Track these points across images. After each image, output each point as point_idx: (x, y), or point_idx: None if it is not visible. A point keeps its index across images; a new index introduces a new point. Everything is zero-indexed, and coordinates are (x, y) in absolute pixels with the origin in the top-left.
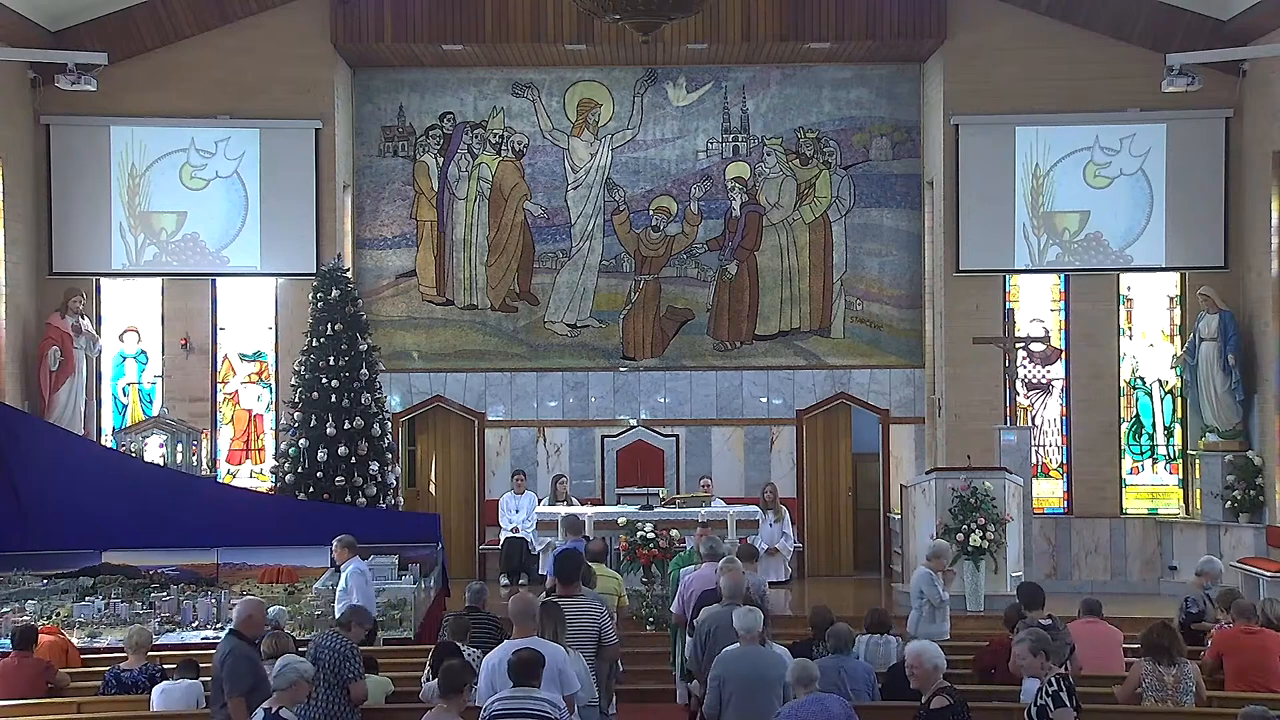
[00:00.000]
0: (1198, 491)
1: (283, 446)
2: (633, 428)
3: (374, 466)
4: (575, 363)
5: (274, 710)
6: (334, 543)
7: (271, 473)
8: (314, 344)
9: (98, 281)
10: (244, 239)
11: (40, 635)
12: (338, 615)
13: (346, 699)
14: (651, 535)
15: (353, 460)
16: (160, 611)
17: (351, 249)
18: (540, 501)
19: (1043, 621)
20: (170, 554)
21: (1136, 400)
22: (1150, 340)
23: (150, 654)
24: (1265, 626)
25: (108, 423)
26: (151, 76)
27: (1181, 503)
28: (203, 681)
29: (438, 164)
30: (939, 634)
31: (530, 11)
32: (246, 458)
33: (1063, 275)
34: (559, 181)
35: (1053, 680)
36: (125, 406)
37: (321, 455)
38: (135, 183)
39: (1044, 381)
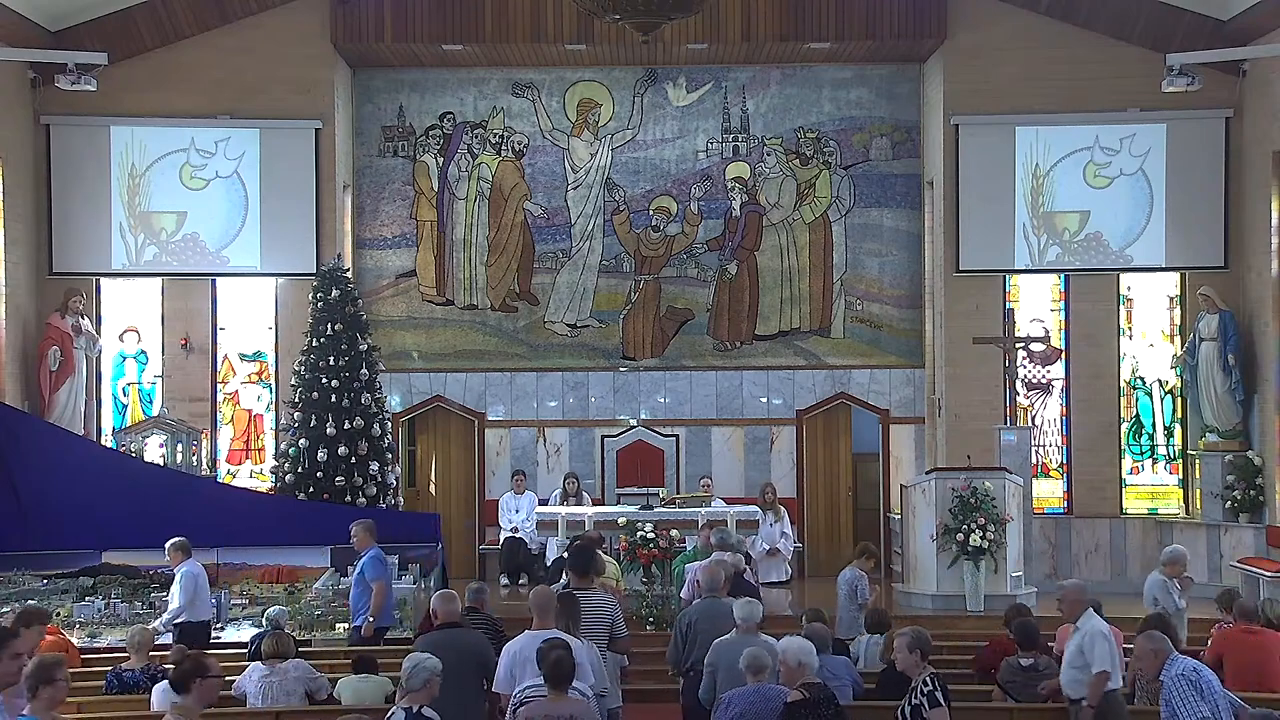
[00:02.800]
0: (1198, 491)
1: (283, 446)
2: (633, 428)
3: (374, 466)
4: (575, 363)
5: (416, 710)
6: (167, 546)
7: (271, 473)
8: (314, 344)
9: (98, 281)
10: (244, 239)
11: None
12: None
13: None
14: (651, 535)
15: (353, 460)
16: (160, 612)
17: (351, 249)
18: (551, 494)
19: (1023, 662)
20: None
21: (1136, 400)
22: (1150, 340)
23: (150, 654)
24: (1266, 626)
25: (108, 423)
26: (151, 76)
27: (1181, 503)
28: None
29: (438, 164)
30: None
31: (530, 11)
32: (246, 458)
33: (1063, 275)
34: (559, 181)
35: (927, 680)
36: (125, 406)
37: (321, 455)
38: (135, 183)
39: (1044, 381)
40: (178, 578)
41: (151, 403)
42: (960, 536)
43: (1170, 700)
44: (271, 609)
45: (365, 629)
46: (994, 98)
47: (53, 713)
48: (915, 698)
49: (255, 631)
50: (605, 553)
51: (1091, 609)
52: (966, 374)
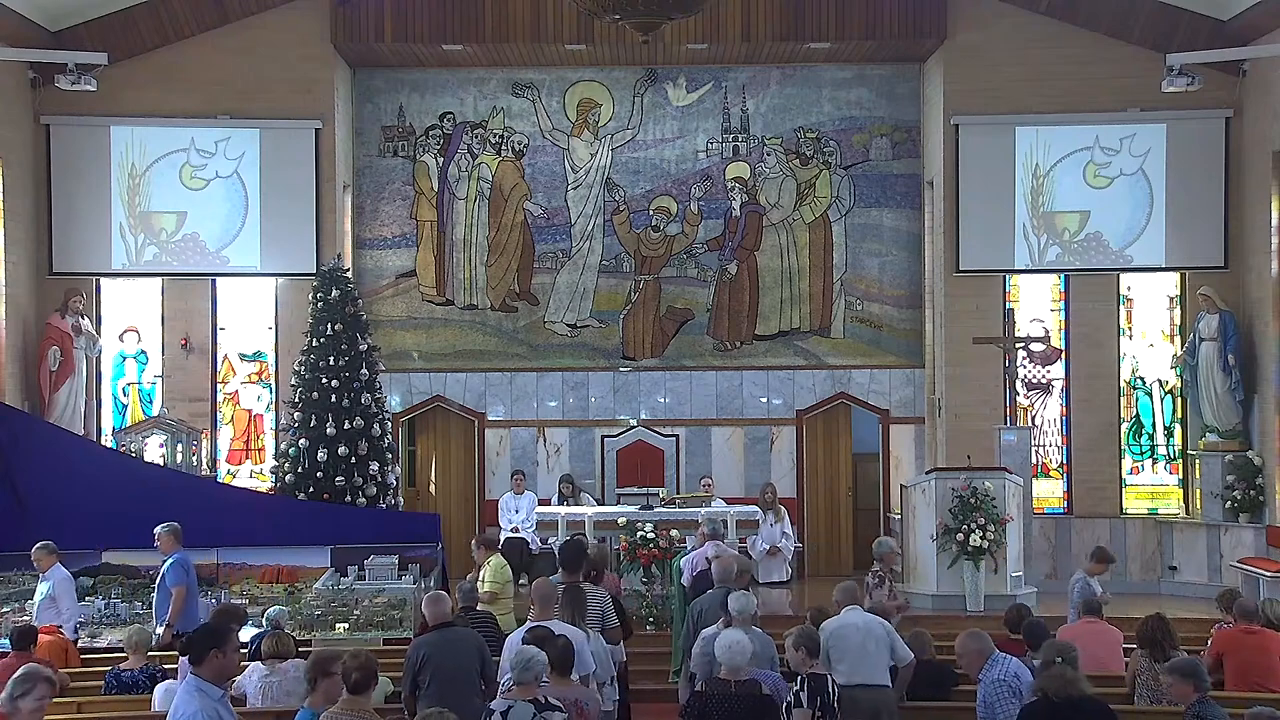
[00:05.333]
0: (1198, 491)
1: (283, 446)
2: (633, 428)
3: (374, 466)
4: (575, 363)
5: (545, 700)
6: (35, 550)
7: (271, 473)
8: (314, 344)
9: (98, 281)
10: (244, 239)
11: (40, 635)
12: (37, 622)
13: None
14: (651, 535)
15: (353, 460)
16: (160, 611)
17: (351, 249)
18: (550, 500)
19: (1034, 662)
20: None
21: (1136, 400)
22: (1150, 340)
23: (150, 654)
24: (1265, 626)
25: (108, 423)
26: (151, 76)
27: (1181, 503)
28: None
29: (438, 164)
30: None
31: (530, 11)
32: (246, 458)
33: (1063, 275)
34: (559, 181)
35: (797, 680)
36: (125, 406)
37: (321, 455)
38: (135, 183)
39: (1044, 381)
40: (52, 581)
41: (151, 403)
42: (960, 536)
43: (990, 702)
44: (271, 609)
45: (164, 635)
46: (994, 98)
47: (329, 705)
48: (789, 695)
49: (255, 631)
50: (607, 563)
51: (857, 606)
52: (966, 374)
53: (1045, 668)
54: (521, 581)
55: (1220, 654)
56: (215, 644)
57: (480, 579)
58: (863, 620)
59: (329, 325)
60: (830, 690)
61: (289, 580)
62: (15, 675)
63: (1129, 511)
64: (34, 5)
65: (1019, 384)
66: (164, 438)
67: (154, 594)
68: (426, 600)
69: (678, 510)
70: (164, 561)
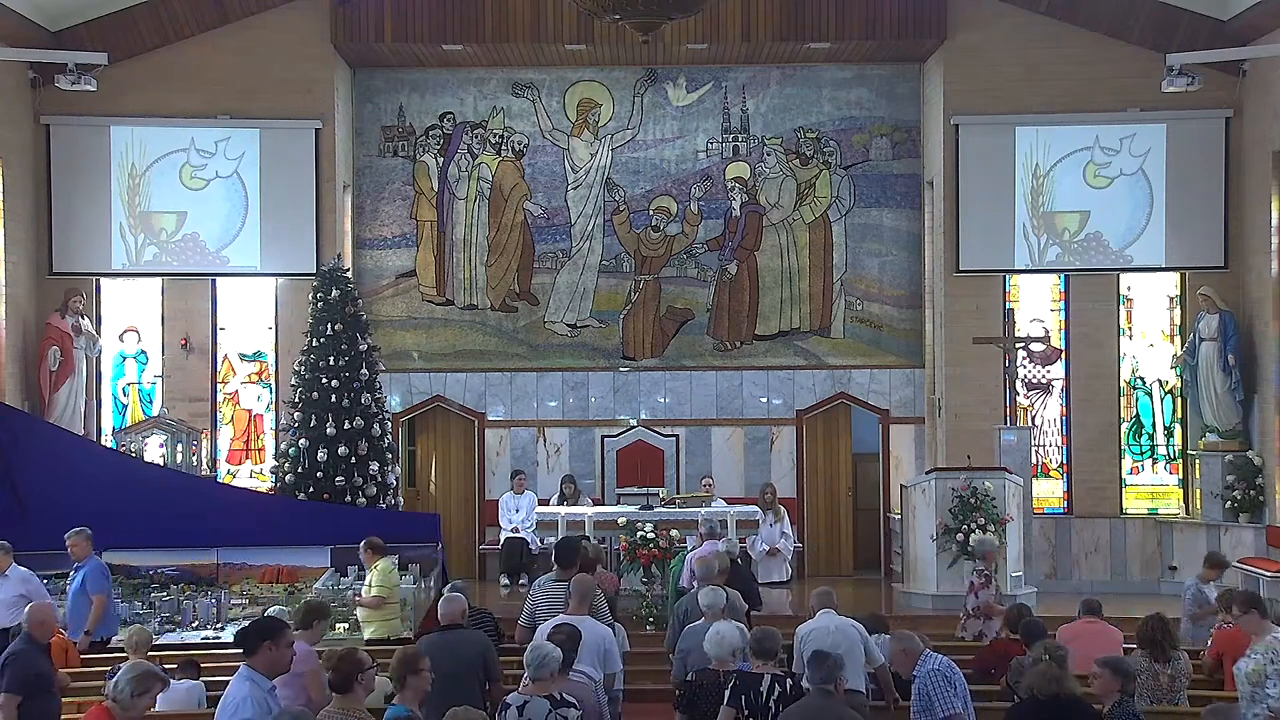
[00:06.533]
0: (1198, 491)
1: (283, 446)
2: (633, 428)
3: (374, 466)
4: (575, 363)
5: (560, 696)
6: None
7: (271, 473)
8: (314, 344)
9: (98, 281)
10: (244, 239)
11: None
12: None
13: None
14: (651, 535)
15: (353, 460)
16: (160, 611)
17: (351, 249)
18: (551, 498)
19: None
20: (170, 554)
21: (1136, 400)
22: (1150, 340)
23: (150, 654)
24: None
25: (108, 423)
26: (151, 76)
27: (1181, 503)
28: (204, 682)
29: (438, 164)
30: None
31: (530, 11)
32: (246, 458)
33: (1063, 275)
34: (559, 181)
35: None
36: (125, 406)
37: (321, 455)
38: (135, 183)
39: (1044, 381)
40: (19, 578)
41: (151, 403)
42: (960, 536)
43: (926, 693)
44: (271, 609)
45: (82, 642)
46: (994, 98)
47: (419, 701)
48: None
49: None
50: (604, 561)
51: (832, 610)
52: (966, 374)
53: (1034, 665)
54: (521, 582)
55: (1220, 654)
56: (269, 636)
57: (367, 584)
58: (835, 624)
59: (329, 325)
60: (765, 690)
61: (289, 580)
62: (133, 674)
63: (1129, 511)
64: (34, 5)
65: (1019, 384)
66: (164, 438)
67: (67, 601)
68: (442, 600)
69: (678, 510)
70: (76, 567)
